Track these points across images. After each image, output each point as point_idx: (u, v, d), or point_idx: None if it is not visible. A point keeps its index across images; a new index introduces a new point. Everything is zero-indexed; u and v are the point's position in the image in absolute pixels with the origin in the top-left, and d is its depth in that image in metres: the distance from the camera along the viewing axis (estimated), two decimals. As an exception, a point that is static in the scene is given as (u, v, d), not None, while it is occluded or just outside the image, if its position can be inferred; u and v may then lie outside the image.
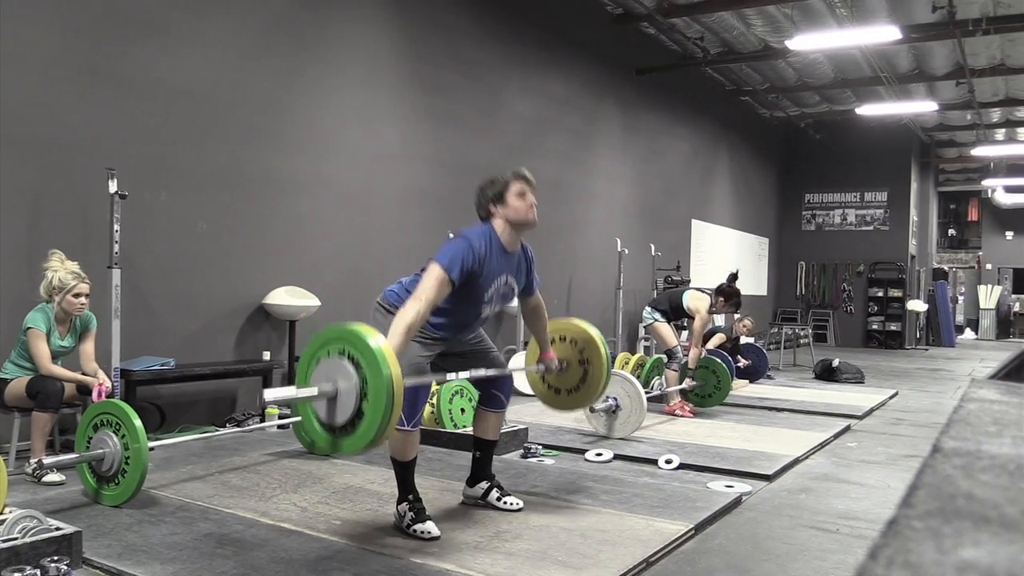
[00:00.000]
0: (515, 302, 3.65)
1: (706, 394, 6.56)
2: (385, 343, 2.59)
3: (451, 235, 3.33)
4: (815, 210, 17.02)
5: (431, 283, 3.01)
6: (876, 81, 12.14)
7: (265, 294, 5.83)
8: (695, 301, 6.37)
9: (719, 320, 10.41)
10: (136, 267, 5.00)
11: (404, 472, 3.28)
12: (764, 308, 15.94)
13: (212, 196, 5.57)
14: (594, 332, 3.77)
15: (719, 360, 6.60)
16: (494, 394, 3.57)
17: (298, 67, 6.13)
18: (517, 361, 7.43)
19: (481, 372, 3.44)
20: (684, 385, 6.34)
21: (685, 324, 6.93)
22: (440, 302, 3.07)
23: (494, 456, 3.71)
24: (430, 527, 3.12)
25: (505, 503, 3.53)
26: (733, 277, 6.47)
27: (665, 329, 6.45)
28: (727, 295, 6.35)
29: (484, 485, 3.58)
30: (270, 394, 2.59)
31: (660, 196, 11.69)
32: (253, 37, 5.83)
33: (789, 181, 17.03)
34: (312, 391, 2.62)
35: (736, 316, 9.52)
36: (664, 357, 6.60)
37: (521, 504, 3.56)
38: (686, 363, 6.34)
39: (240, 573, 2.71)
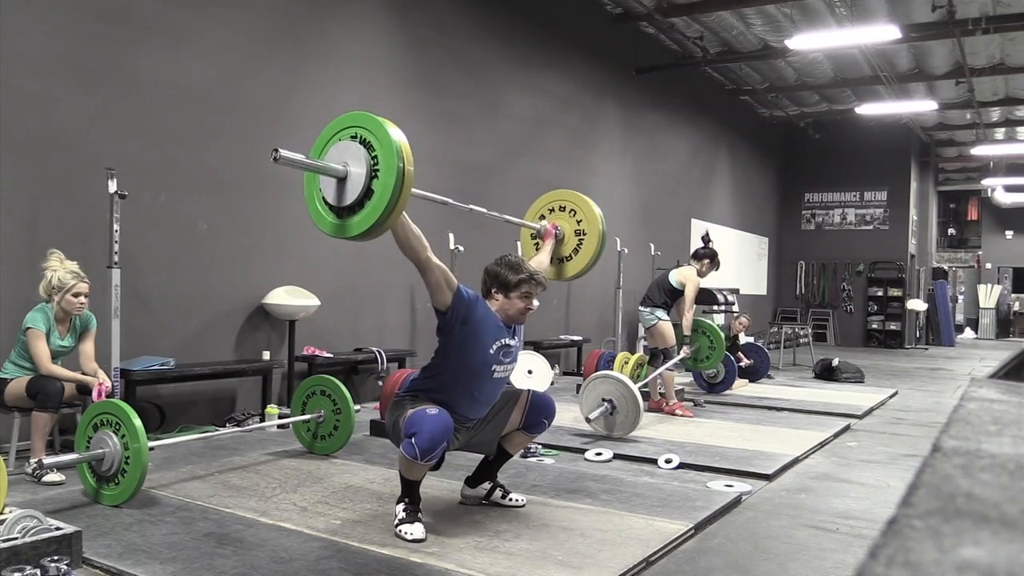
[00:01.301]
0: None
1: (702, 356, 6.48)
2: (401, 135, 2.70)
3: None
4: (815, 209, 17.02)
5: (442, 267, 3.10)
6: (876, 80, 12.14)
7: (265, 294, 5.83)
8: (682, 274, 6.40)
9: (718, 319, 10.41)
10: (136, 267, 5.00)
11: (409, 485, 3.22)
12: (764, 307, 15.94)
13: (212, 196, 5.57)
14: (591, 203, 3.99)
15: (707, 321, 6.57)
16: (541, 421, 3.52)
17: (298, 66, 6.13)
18: (520, 360, 7.43)
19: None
20: (683, 354, 6.29)
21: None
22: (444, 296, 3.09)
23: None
24: (414, 529, 3.06)
25: (511, 500, 3.54)
26: (706, 239, 6.55)
27: (668, 329, 6.40)
28: (710, 256, 6.44)
29: (487, 485, 3.57)
30: (285, 152, 2.63)
31: (660, 195, 11.69)
32: (253, 37, 5.83)
33: (789, 180, 17.03)
34: (325, 163, 2.71)
35: (734, 314, 9.53)
36: (660, 356, 6.53)
37: (525, 500, 3.57)
38: (679, 325, 6.35)
39: (240, 573, 2.71)
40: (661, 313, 6.39)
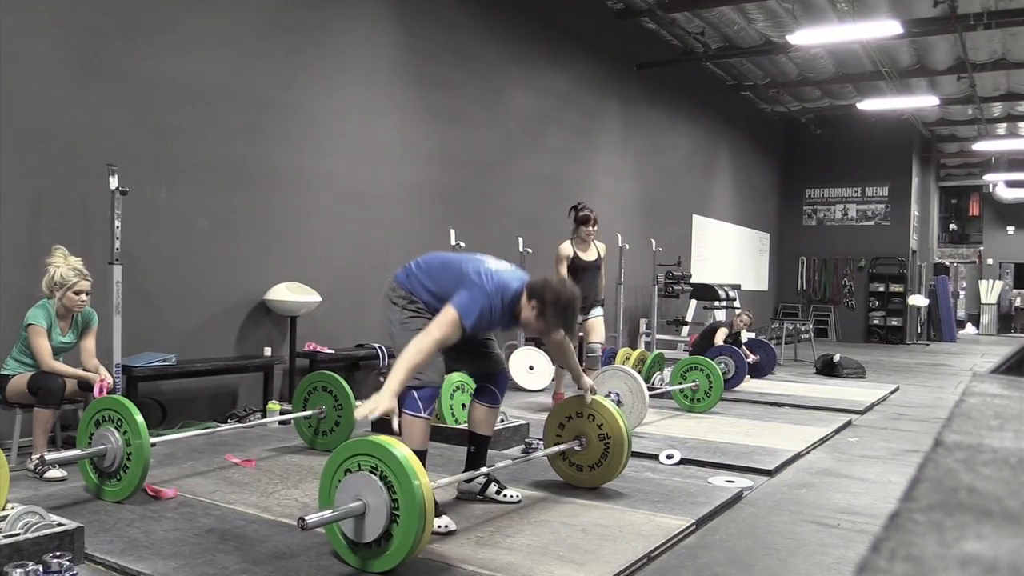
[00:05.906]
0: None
1: (699, 396, 6.33)
2: (411, 454, 2.61)
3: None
4: (816, 205, 17.00)
5: (446, 327, 3.06)
6: (877, 76, 12.11)
7: (266, 290, 5.83)
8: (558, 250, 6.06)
9: (720, 316, 10.40)
10: (137, 263, 5.00)
11: None
12: (765, 303, 15.94)
13: (213, 192, 5.57)
14: (610, 405, 3.82)
15: (710, 361, 6.44)
16: (487, 387, 3.56)
17: (299, 63, 6.12)
18: (516, 358, 7.44)
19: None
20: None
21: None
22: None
23: (495, 451, 3.71)
24: (446, 520, 3.11)
25: (505, 496, 3.53)
26: (573, 208, 6.11)
27: (596, 325, 6.07)
28: (582, 220, 5.94)
29: (482, 480, 3.57)
30: (312, 519, 2.56)
31: (661, 191, 11.68)
32: (254, 33, 5.82)
33: (790, 176, 17.01)
34: (351, 508, 2.62)
35: (735, 311, 9.52)
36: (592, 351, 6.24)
37: (520, 496, 3.56)
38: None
39: (242, 568, 2.71)
40: (599, 309, 6.13)
